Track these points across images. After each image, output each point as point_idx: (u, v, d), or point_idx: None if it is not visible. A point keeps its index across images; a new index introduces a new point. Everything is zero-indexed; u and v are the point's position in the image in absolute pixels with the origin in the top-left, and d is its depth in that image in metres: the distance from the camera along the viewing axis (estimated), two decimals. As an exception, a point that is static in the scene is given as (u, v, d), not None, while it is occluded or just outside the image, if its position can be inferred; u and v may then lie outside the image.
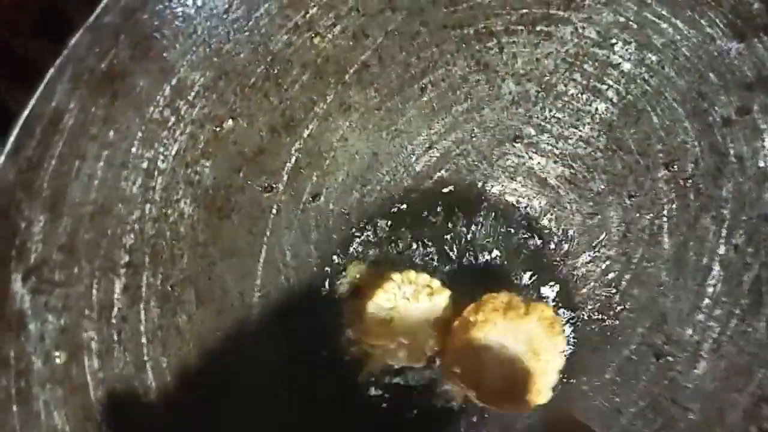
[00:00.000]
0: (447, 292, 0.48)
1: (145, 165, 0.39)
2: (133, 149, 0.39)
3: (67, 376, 0.37)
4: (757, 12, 0.45)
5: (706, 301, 0.50)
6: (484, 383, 0.46)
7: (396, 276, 0.48)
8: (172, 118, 0.40)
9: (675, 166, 0.50)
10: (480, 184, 0.52)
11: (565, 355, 0.48)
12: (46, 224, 0.35)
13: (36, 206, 0.35)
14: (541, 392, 0.46)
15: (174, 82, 0.39)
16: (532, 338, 0.46)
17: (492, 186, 0.52)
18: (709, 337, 0.50)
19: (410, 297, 0.48)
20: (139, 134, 0.38)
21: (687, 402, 0.51)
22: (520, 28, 0.47)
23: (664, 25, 0.46)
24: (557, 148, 0.51)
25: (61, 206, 0.36)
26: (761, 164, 0.48)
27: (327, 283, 0.50)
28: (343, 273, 0.50)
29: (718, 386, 0.50)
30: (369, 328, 0.48)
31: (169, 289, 0.43)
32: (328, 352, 0.49)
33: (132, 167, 0.39)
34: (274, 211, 0.47)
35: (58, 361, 0.37)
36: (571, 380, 0.52)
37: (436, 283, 0.49)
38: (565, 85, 0.49)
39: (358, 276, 0.49)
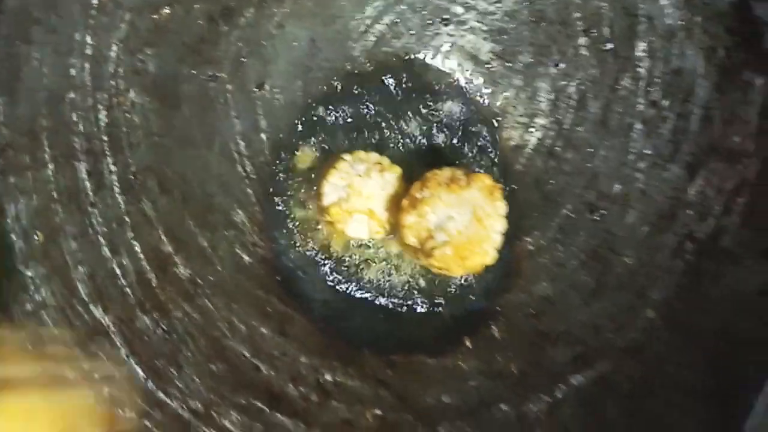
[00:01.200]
0: (397, 168, 0.52)
1: (90, 52, 0.41)
2: (77, 35, 0.40)
3: (47, 256, 0.39)
4: None
5: (631, 155, 0.55)
6: (436, 251, 0.50)
7: (347, 156, 0.51)
8: (110, 4, 0.41)
9: (593, 32, 0.54)
10: (416, 66, 0.55)
11: (507, 218, 0.52)
12: (6, 108, 0.36)
13: (-7, 88, 0.37)
14: (488, 253, 0.51)
15: (109, -33, 0.41)
16: (475, 206, 0.50)
17: (428, 67, 0.55)
18: (636, 188, 0.55)
19: (363, 174, 0.51)
20: (81, 20, 0.39)
21: (622, 249, 0.55)
22: None
23: None
24: (485, 24, 0.54)
25: (18, 91, 0.37)
26: (669, 21, 0.52)
27: (281, 169, 0.52)
28: (296, 157, 0.52)
29: (647, 231, 0.55)
30: (326, 206, 0.51)
31: (132, 177, 0.45)
32: (290, 233, 0.52)
33: (78, 54, 0.40)
34: (221, 100, 0.49)
35: (36, 240, 0.39)
36: (518, 241, 0.56)
37: (385, 160, 0.52)
38: (486, -39, 0.52)
39: (309, 162, 0.52)
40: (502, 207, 0.51)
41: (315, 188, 0.52)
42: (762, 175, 0.52)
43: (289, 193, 0.53)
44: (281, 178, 0.53)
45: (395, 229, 0.53)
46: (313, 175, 0.54)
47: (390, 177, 0.51)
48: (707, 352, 0.52)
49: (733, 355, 0.51)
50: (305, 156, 0.53)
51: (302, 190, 0.54)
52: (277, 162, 0.52)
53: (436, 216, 0.50)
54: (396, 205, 0.52)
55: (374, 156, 0.51)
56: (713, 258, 0.54)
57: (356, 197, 0.50)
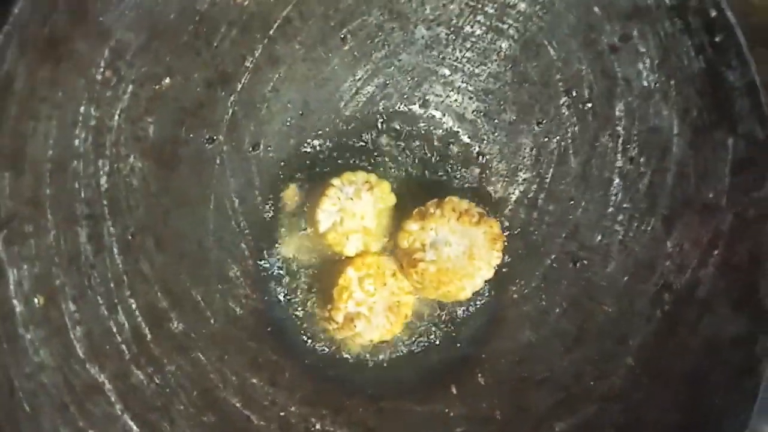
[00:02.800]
0: (386, 183, 0.54)
1: (93, 123, 0.43)
2: (82, 109, 0.42)
3: (46, 318, 0.41)
4: (627, -53, 0.51)
5: (610, 209, 0.57)
6: (420, 265, 0.52)
7: (336, 180, 0.52)
8: (114, 78, 0.43)
9: (574, 93, 0.56)
10: (405, 126, 0.57)
11: (495, 270, 0.54)
12: (11, 181, 0.38)
13: (0, 165, 0.39)
14: (465, 290, 0.53)
15: (112, 44, 0.43)
16: (473, 245, 0.53)
17: (416, 124, 0.57)
18: (616, 239, 0.57)
19: (353, 196, 0.52)
20: (86, 94, 0.42)
21: (602, 298, 0.57)
22: (425, -24, 0.52)
23: (551, -33, 0.52)
24: (470, 85, 0.57)
25: (23, 164, 0.40)
26: (645, 83, 0.55)
27: (275, 224, 0.54)
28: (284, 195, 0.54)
29: (627, 281, 0.57)
30: (323, 233, 0.52)
31: (130, 237, 0.47)
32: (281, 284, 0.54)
33: (82, 125, 0.42)
34: (218, 161, 0.51)
35: (37, 304, 0.41)
36: (503, 289, 0.58)
37: (373, 177, 0.53)
38: (471, 27, 0.55)
39: (296, 198, 0.54)
40: (496, 257, 0.54)
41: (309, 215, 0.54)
42: (735, 229, 0.54)
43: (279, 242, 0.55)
44: (273, 227, 0.55)
45: (393, 237, 0.55)
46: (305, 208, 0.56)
47: (380, 191, 0.53)
48: (683, 398, 0.53)
49: (708, 401, 0.52)
50: (290, 193, 0.54)
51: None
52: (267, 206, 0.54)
53: (435, 235, 0.53)
54: (389, 215, 0.54)
55: (361, 175, 0.53)
56: (689, 307, 0.56)
57: (350, 219, 0.52)
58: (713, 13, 0.50)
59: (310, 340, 0.56)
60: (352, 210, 0.52)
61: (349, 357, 0.56)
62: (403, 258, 0.53)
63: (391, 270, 0.54)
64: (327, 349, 0.56)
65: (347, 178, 0.52)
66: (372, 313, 0.52)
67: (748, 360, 0.52)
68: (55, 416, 0.42)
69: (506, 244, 0.55)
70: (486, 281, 0.55)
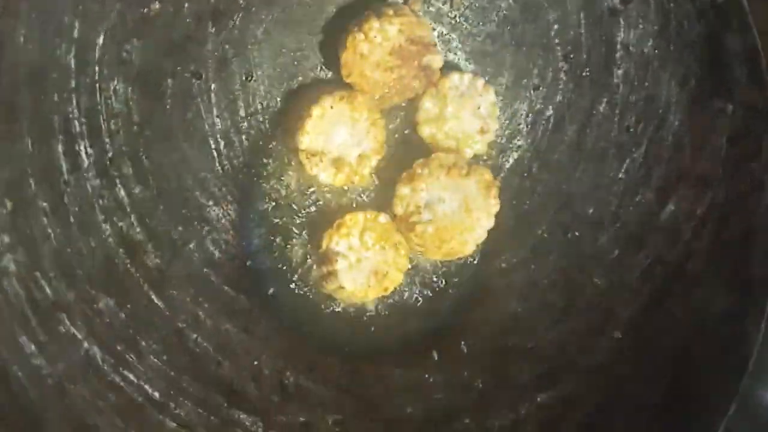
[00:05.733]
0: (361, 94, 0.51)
1: (77, 35, 0.42)
2: (66, 18, 0.42)
3: (14, 226, 0.40)
4: None
5: (605, 179, 0.56)
6: (418, 227, 0.51)
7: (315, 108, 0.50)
8: (101, -7, 0.43)
9: (572, 57, 0.55)
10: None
11: (494, 217, 0.53)
12: (-15, 79, 0.38)
13: (-26, 58, 0.38)
14: (467, 244, 0.52)
15: (103, -44, 0.43)
16: (467, 196, 0.52)
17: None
18: (608, 211, 0.56)
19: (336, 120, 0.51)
20: (71, 3, 0.41)
21: (592, 270, 0.56)
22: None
23: None
24: (468, 45, 0.56)
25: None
26: (644, 49, 0.54)
27: (260, 174, 0.54)
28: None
29: (618, 254, 0.56)
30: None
31: (107, 162, 0.46)
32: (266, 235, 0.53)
33: (65, 37, 0.42)
34: (204, 98, 0.50)
35: (4, 210, 0.40)
36: (491, 258, 0.57)
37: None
38: (471, -17, 0.54)
39: None
40: (494, 205, 0.53)
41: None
42: (729, 202, 0.53)
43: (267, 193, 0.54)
44: (258, 180, 0.54)
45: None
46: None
47: (357, 104, 0.51)
48: (669, 373, 0.52)
49: (695, 375, 0.51)
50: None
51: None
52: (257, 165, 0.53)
53: (428, 194, 0.52)
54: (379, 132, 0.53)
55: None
56: (680, 281, 0.54)
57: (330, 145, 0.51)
58: (716, -26, 0.50)
59: (288, 293, 0.54)
60: (335, 135, 0.51)
61: (327, 313, 0.55)
62: (401, 224, 0.52)
63: (397, 241, 0.52)
64: (305, 303, 0.55)
65: (324, 101, 0.50)
66: (357, 265, 0.51)
67: (738, 334, 0.51)
68: (15, 326, 0.41)
69: (496, 213, 0.53)
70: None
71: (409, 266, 0.54)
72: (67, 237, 0.44)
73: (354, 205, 0.56)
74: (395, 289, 0.54)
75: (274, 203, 0.54)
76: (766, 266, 0.52)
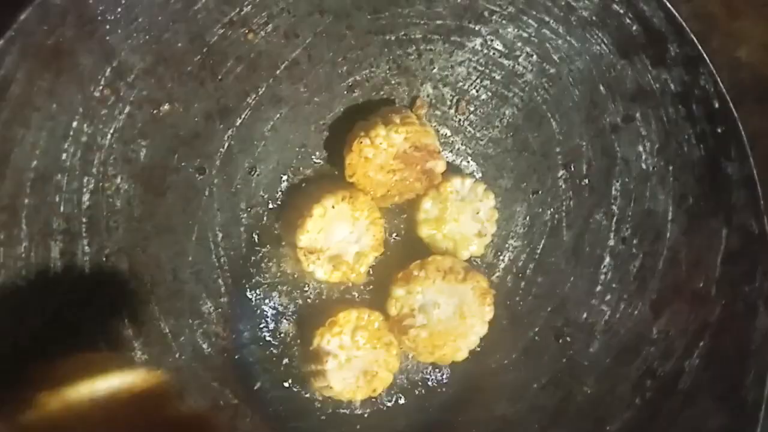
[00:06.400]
0: (364, 195, 0.52)
1: (84, 139, 0.42)
2: (75, 123, 0.42)
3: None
4: (636, 34, 0.52)
5: (599, 287, 0.57)
6: (411, 331, 0.51)
7: (317, 207, 0.50)
8: (112, 98, 0.43)
9: (572, 167, 0.56)
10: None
11: (488, 325, 0.53)
12: (-11, 185, 0.38)
13: (-19, 168, 0.38)
14: (460, 350, 0.52)
15: (115, 64, 0.43)
16: (463, 302, 0.52)
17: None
18: (602, 319, 0.56)
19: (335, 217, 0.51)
20: (81, 110, 0.41)
21: (583, 377, 0.56)
22: (436, 37, 0.53)
23: (560, 42, 0.53)
24: (470, 148, 0.57)
25: (5, 169, 0.39)
26: (643, 166, 0.55)
27: (255, 265, 0.53)
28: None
29: (610, 363, 0.56)
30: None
31: (104, 259, 0.46)
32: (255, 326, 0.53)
33: (72, 140, 0.42)
34: (206, 193, 0.50)
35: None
36: (483, 358, 0.57)
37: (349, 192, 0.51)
38: (477, 91, 0.55)
39: None
40: (489, 312, 0.53)
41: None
42: (723, 321, 0.54)
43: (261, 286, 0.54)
44: (253, 271, 0.53)
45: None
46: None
47: (359, 204, 0.51)
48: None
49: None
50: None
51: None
52: (253, 257, 0.53)
53: (423, 297, 0.51)
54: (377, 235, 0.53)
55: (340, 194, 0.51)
56: (672, 397, 0.54)
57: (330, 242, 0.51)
58: (716, 104, 0.51)
59: (275, 387, 0.54)
60: (334, 233, 0.51)
61: (313, 408, 0.54)
62: (394, 325, 0.52)
63: (388, 341, 0.52)
64: (292, 398, 0.54)
65: (326, 200, 0.50)
66: (347, 364, 0.51)
67: (729, 459, 0.51)
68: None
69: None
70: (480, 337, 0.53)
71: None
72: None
73: (347, 298, 0.55)
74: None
75: (266, 295, 0.54)
76: (759, 389, 0.52)
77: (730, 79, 0.52)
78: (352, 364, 0.51)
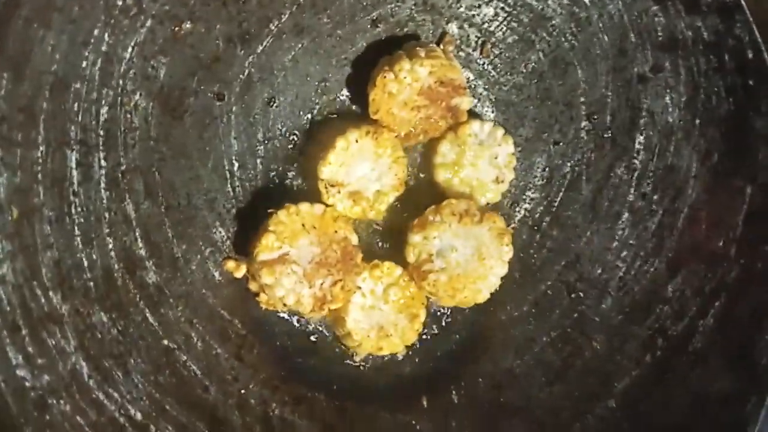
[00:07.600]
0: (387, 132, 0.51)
1: (105, 49, 0.42)
2: (96, 31, 0.41)
3: (17, 233, 0.40)
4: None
5: (615, 243, 0.56)
6: (430, 276, 0.51)
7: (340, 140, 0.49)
8: (134, 9, 0.43)
9: (595, 118, 0.55)
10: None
11: (508, 264, 0.52)
12: (9, 83, 0.37)
13: (2, 62, 0.37)
14: (481, 292, 0.51)
15: (140, -27, 0.42)
16: (480, 244, 0.51)
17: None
18: (616, 275, 0.56)
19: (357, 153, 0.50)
20: (103, 17, 0.41)
21: (593, 333, 0.55)
22: (465, -27, 0.51)
23: (593, -17, 0.52)
24: (492, 94, 0.56)
25: (24, 69, 0.39)
26: (669, 119, 0.54)
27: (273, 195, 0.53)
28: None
29: (621, 320, 0.55)
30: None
31: (119, 175, 0.46)
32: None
33: (93, 48, 0.42)
34: (224, 120, 0.50)
35: (10, 216, 0.39)
36: (491, 310, 0.56)
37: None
38: (503, 33, 0.54)
39: None
40: (507, 252, 0.52)
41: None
42: (740, 282, 0.53)
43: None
44: (270, 198, 0.53)
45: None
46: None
47: (383, 141, 0.50)
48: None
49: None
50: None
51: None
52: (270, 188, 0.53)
53: (440, 242, 0.51)
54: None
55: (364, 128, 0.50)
56: (682, 357, 0.54)
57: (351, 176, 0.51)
58: (750, 55, 0.49)
59: (283, 321, 0.54)
60: (356, 169, 0.50)
61: (320, 345, 0.54)
62: (413, 272, 0.52)
63: (415, 314, 0.52)
64: (299, 333, 0.54)
65: (350, 133, 0.50)
66: (368, 311, 0.51)
67: (737, 419, 0.50)
68: (4, 336, 0.40)
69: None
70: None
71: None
72: (69, 248, 0.43)
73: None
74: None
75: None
76: (771, 352, 0.51)
77: (766, 33, 0.51)
78: (374, 313, 0.50)
